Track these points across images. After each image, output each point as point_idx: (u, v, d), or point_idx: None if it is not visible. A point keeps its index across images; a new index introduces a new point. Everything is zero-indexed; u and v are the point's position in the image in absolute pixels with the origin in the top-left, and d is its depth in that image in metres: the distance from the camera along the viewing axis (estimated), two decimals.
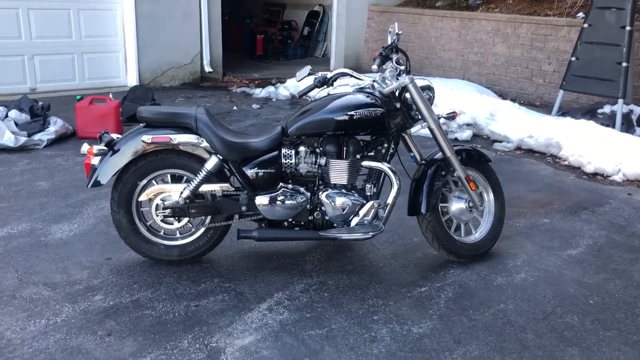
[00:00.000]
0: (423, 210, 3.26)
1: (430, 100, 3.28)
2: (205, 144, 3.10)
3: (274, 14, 13.98)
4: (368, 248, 3.65)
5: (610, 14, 6.77)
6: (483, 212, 3.57)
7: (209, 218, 3.27)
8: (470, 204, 3.44)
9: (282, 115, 7.18)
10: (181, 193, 3.14)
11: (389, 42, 3.25)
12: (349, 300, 3.05)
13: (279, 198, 3.14)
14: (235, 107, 7.62)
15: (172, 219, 3.22)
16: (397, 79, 3.16)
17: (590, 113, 6.76)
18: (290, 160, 3.16)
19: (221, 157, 3.12)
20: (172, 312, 2.89)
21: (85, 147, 3.16)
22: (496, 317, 2.94)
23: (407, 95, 3.21)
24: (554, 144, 5.84)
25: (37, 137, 5.48)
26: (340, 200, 3.12)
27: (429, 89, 3.30)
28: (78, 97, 5.95)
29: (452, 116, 3.44)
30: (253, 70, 10.56)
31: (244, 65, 11.06)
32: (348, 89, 3.25)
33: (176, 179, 3.26)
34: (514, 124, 6.33)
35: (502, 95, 8.34)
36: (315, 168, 3.20)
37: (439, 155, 3.36)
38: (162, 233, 3.32)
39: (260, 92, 8.52)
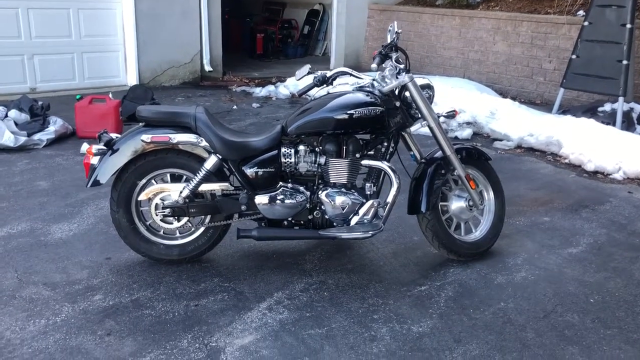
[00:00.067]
0: (423, 209, 3.26)
1: (430, 99, 3.28)
2: (204, 143, 3.09)
3: (274, 12, 13.97)
4: (368, 247, 3.65)
5: (611, 11, 6.75)
6: (483, 210, 3.57)
7: (208, 217, 3.27)
8: (470, 203, 3.43)
9: (282, 114, 7.18)
10: (180, 192, 3.14)
11: (389, 41, 3.25)
12: (348, 300, 3.05)
13: (278, 197, 3.14)
14: (235, 106, 7.61)
15: (171, 218, 3.22)
16: (397, 78, 3.15)
17: (590, 111, 6.75)
18: (290, 159, 3.16)
19: (220, 157, 3.12)
20: (172, 311, 2.89)
21: (85, 147, 3.16)
22: (496, 316, 2.94)
23: (407, 93, 3.20)
24: (555, 142, 5.83)
25: (36, 136, 5.48)
26: (340, 199, 3.12)
27: (428, 87, 3.29)
28: (78, 97, 5.94)
29: (451, 115, 3.43)
30: (253, 69, 10.55)
31: (244, 64, 11.06)
32: (347, 87, 3.25)
33: (175, 179, 3.26)
34: (514, 123, 6.32)
35: (503, 94, 8.33)
36: (314, 167, 3.20)
37: (438, 153, 3.35)
38: (161, 232, 3.31)
39: (260, 91, 8.51)
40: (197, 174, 3.13)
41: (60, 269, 3.27)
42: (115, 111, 5.84)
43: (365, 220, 3.15)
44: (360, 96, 3.11)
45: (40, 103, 5.87)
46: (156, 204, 3.19)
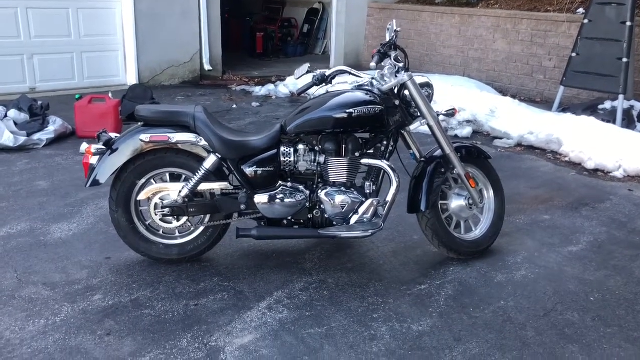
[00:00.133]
0: (423, 207, 3.25)
1: (429, 98, 3.27)
2: (203, 142, 3.09)
3: (274, 11, 13.95)
4: (368, 246, 3.65)
5: (611, 9, 6.74)
6: (483, 209, 3.56)
7: (208, 217, 3.26)
8: (470, 201, 3.43)
9: (281, 113, 7.17)
10: (180, 192, 3.14)
11: (387, 39, 3.24)
12: (348, 299, 3.04)
13: (278, 196, 3.13)
14: (235, 105, 7.61)
15: (171, 218, 3.22)
16: (396, 77, 3.15)
17: (590, 109, 6.74)
18: (289, 158, 3.16)
19: (220, 156, 3.11)
20: (172, 311, 2.88)
21: (84, 147, 3.15)
22: (496, 315, 2.94)
23: (406, 92, 3.20)
24: (555, 140, 5.82)
25: (36, 136, 5.47)
26: (339, 198, 3.12)
27: (427, 86, 3.28)
28: (77, 97, 5.94)
29: (451, 113, 3.42)
30: (253, 68, 10.54)
31: (243, 63, 11.05)
32: (347, 86, 3.24)
33: (175, 178, 3.25)
34: (514, 121, 6.31)
35: (503, 92, 8.32)
36: (314, 166, 3.19)
37: (438, 152, 3.34)
38: (161, 232, 3.31)
39: (260, 90, 8.50)
40: (197, 174, 3.12)
41: (59, 269, 3.26)
42: (114, 111, 5.84)
43: (365, 219, 3.15)
44: (360, 95, 3.11)
45: (39, 103, 5.86)
46: (155, 204, 3.19)
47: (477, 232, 3.55)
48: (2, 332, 2.67)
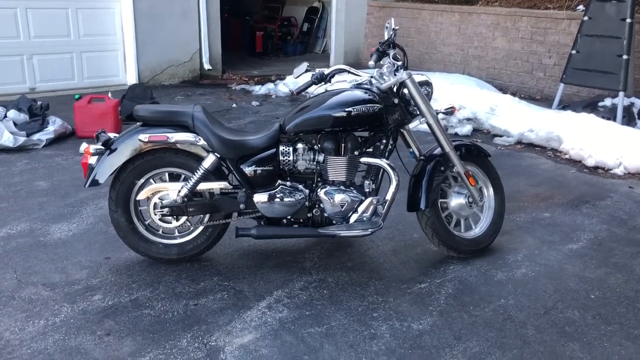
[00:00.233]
0: (422, 206, 3.25)
1: (428, 96, 3.26)
2: (202, 142, 3.09)
3: (274, 10, 13.93)
4: (368, 245, 3.64)
5: (611, 6, 6.73)
6: (483, 207, 3.56)
7: (207, 216, 3.26)
8: (470, 199, 3.42)
9: (281, 112, 7.16)
10: (179, 191, 3.13)
11: (386, 38, 3.24)
12: (348, 298, 3.04)
13: (277, 195, 3.13)
14: (234, 105, 7.60)
15: (170, 217, 3.21)
16: (395, 75, 3.14)
17: (591, 106, 6.73)
18: (288, 157, 3.15)
19: (219, 155, 3.11)
20: (171, 311, 2.88)
21: (83, 147, 3.15)
22: (497, 313, 2.93)
23: (405, 90, 3.19)
24: (555, 137, 5.81)
25: (36, 136, 5.47)
26: (338, 197, 3.11)
27: (427, 84, 3.28)
28: (77, 97, 5.94)
29: (450, 111, 3.42)
30: (252, 67, 10.53)
31: (243, 62, 11.04)
32: (346, 85, 3.24)
33: (174, 178, 3.25)
34: (514, 118, 6.30)
35: (503, 90, 8.31)
36: (313, 165, 3.19)
37: (437, 150, 3.34)
38: (160, 232, 3.30)
39: (259, 89, 8.50)
40: (196, 173, 3.12)
41: (59, 269, 3.26)
42: (114, 110, 5.83)
43: (364, 218, 3.14)
44: (359, 93, 3.10)
45: (39, 103, 5.86)
46: (155, 204, 3.18)
47: (477, 230, 3.55)
48: (2, 333, 2.67)
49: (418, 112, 3.23)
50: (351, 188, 3.18)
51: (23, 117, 5.60)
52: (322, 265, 3.38)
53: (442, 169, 3.34)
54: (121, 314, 2.84)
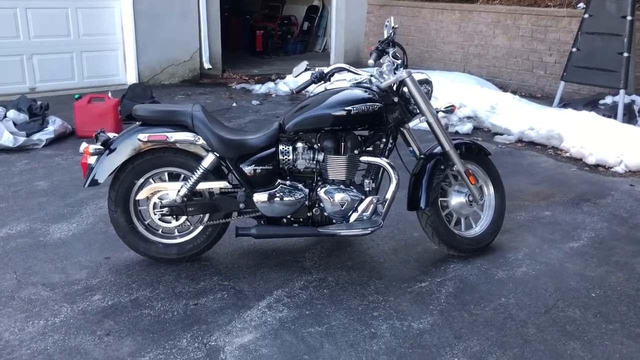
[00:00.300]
0: (422, 205, 3.24)
1: (428, 94, 3.25)
2: (201, 141, 3.08)
3: (274, 9, 13.92)
4: (368, 243, 3.63)
5: (611, 3, 6.71)
6: (483, 205, 3.55)
7: (207, 216, 3.25)
8: (470, 198, 3.41)
9: (281, 111, 7.15)
10: (178, 191, 3.13)
11: (385, 36, 3.23)
12: (348, 297, 3.03)
13: (277, 195, 3.12)
14: (234, 104, 7.60)
15: (170, 217, 3.20)
16: (395, 73, 3.13)
17: (591, 104, 6.72)
18: (288, 156, 3.14)
19: (218, 155, 3.10)
20: (171, 311, 2.88)
21: (83, 146, 3.15)
22: (497, 312, 2.92)
23: (405, 89, 3.18)
24: (555, 135, 5.80)
25: (36, 136, 5.47)
26: (338, 196, 3.10)
27: (426, 82, 3.27)
28: (76, 96, 5.93)
29: (450, 110, 3.41)
30: (253, 66, 10.52)
31: (243, 61, 11.03)
32: (345, 84, 3.23)
33: (173, 177, 3.24)
34: (514, 116, 6.29)
35: (503, 88, 8.30)
36: (313, 164, 3.18)
37: (438, 149, 3.33)
38: (160, 231, 3.30)
39: (259, 88, 8.49)
40: (195, 173, 3.11)
41: (59, 269, 3.26)
42: (114, 110, 5.83)
43: (364, 217, 3.13)
44: (358, 92, 3.09)
45: (39, 103, 5.85)
46: (154, 203, 3.18)
47: (478, 229, 3.54)
48: (1, 334, 2.67)
49: (418, 111, 3.22)
50: (351, 187, 3.17)
51: (23, 117, 5.60)
52: (322, 264, 3.37)
53: (443, 167, 3.33)
54: (121, 314, 2.84)
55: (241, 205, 3.16)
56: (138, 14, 8.18)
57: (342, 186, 3.15)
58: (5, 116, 5.51)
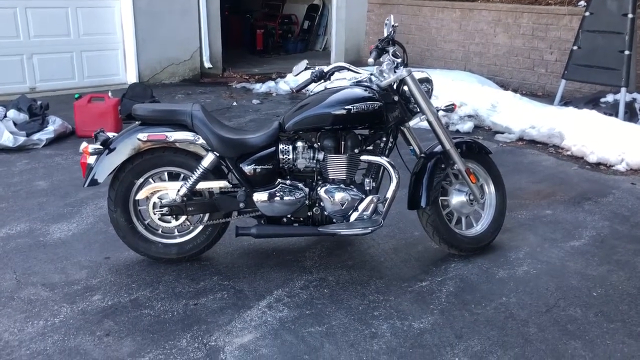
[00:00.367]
0: (423, 204, 3.23)
1: (428, 93, 3.24)
2: (201, 141, 3.07)
3: (274, 8, 13.90)
4: (368, 243, 3.62)
5: (612, 1, 6.69)
6: (484, 204, 3.54)
7: (207, 216, 3.24)
8: (471, 197, 3.40)
9: (282, 110, 7.14)
10: (178, 191, 3.12)
11: (385, 35, 3.22)
12: (349, 296, 3.02)
13: (277, 194, 3.11)
14: (235, 103, 7.59)
15: (169, 217, 3.20)
16: (395, 72, 3.12)
17: (592, 102, 6.70)
18: (288, 155, 3.13)
19: (218, 154, 3.09)
20: (171, 311, 2.87)
21: (83, 146, 3.14)
22: (498, 311, 2.91)
23: (405, 88, 3.17)
24: (557, 134, 5.79)
25: (36, 136, 5.46)
26: (339, 196, 3.09)
27: (427, 81, 3.25)
28: (76, 96, 5.93)
29: (450, 108, 3.40)
30: (253, 65, 10.51)
31: (244, 60, 11.01)
32: (345, 82, 3.22)
33: (173, 177, 3.24)
34: (515, 115, 6.27)
35: (504, 86, 8.28)
36: (313, 163, 3.17)
37: (438, 148, 3.32)
38: (160, 231, 3.29)
39: (260, 87, 8.48)
40: (195, 172, 3.10)
41: (59, 269, 3.25)
42: (114, 110, 5.82)
43: (364, 216, 3.12)
44: (358, 91, 3.08)
45: (39, 103, 5.85)
46: (154, 203, 3.17)
47: (478, 227, 3.53)
48: (1, 334, 2.66)
49: (418, 110, 3.21)
50: (351, 186, 3.16)
51: (23, 116, 5.59)
52: (322, 264, 3.36)
53: (443, 166, 3.32)
54: (121, 314, 2.83)
55: (241, 205, 3.15)
56: (138, 13, 8.17)
57: (342, 185, 3.14)
58: (5, 116, 5.51)
